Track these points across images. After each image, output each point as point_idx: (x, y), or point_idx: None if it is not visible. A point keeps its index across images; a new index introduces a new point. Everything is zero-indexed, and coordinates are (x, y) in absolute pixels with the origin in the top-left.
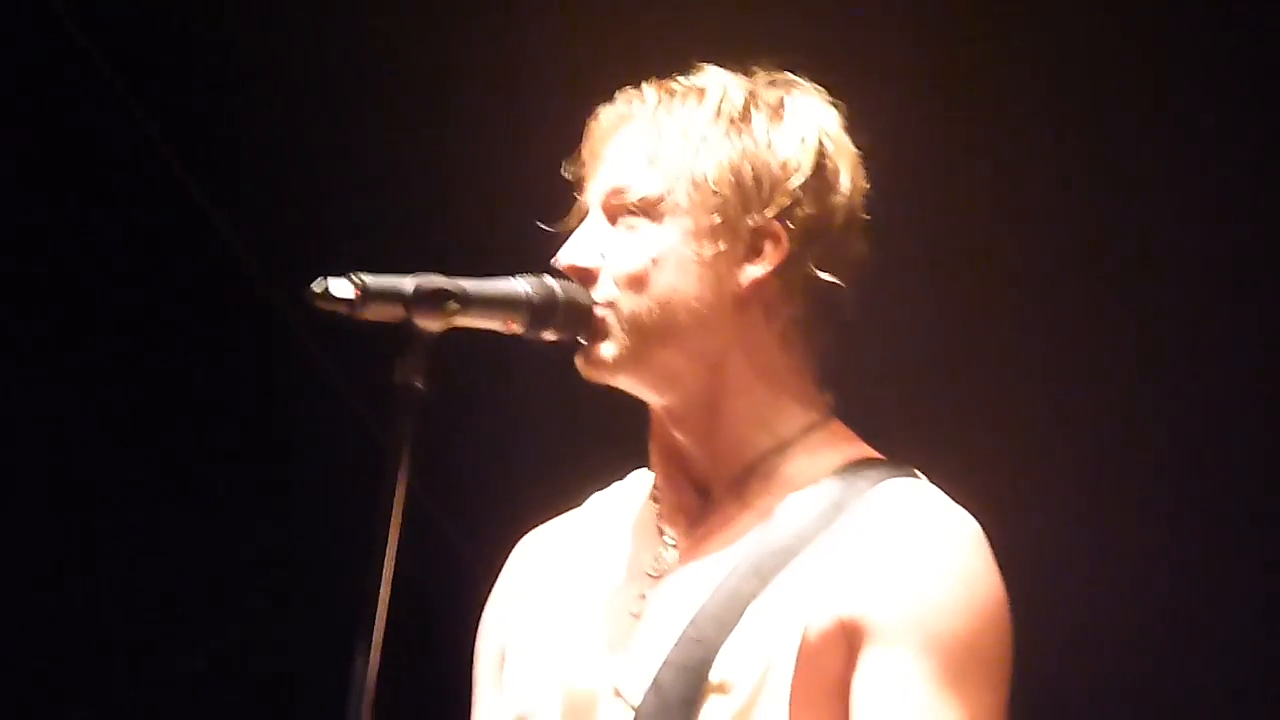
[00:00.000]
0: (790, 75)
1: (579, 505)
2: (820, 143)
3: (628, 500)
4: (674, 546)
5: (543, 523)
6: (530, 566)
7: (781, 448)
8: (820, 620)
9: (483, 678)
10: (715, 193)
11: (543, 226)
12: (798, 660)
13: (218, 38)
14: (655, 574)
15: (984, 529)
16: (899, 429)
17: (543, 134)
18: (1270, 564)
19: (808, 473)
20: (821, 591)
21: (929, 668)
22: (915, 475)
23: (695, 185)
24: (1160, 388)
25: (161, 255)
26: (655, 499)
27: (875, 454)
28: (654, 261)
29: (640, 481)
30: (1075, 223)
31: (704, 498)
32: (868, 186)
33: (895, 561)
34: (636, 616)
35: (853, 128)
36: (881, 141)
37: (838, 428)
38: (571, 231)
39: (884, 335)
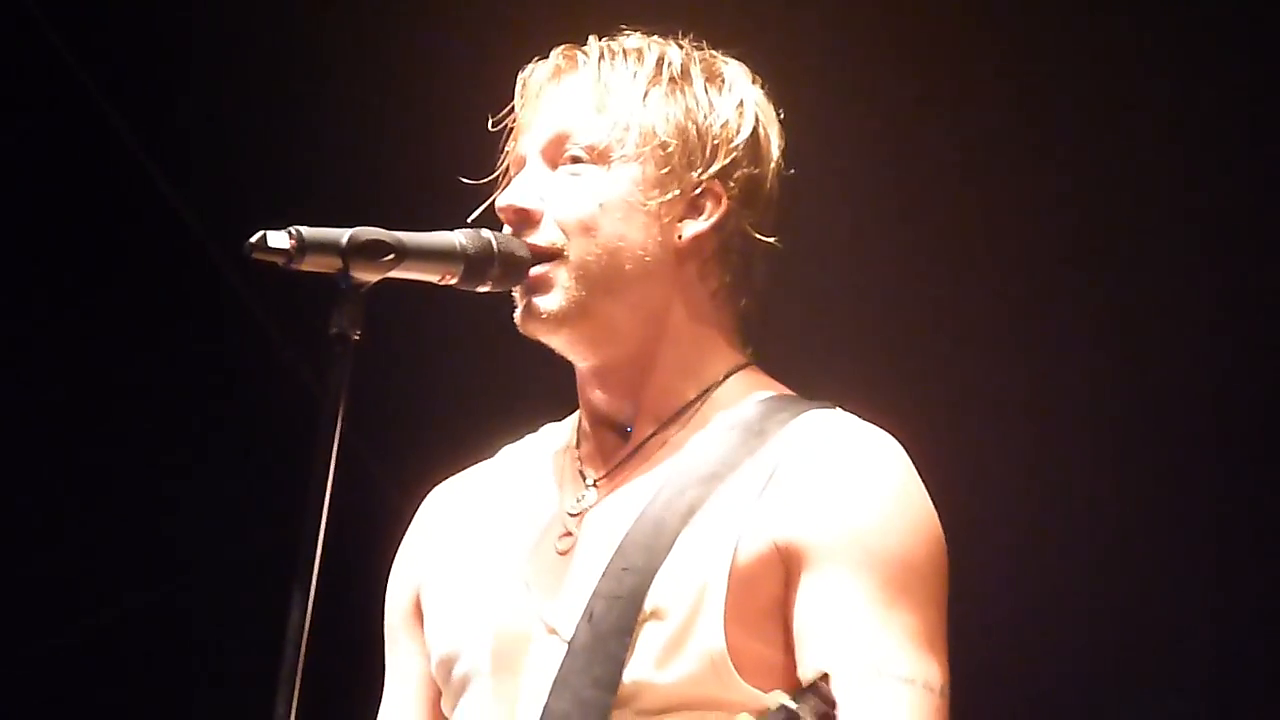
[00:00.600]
0: (711, 50)
1: (489, 457)
2: (756, 110)
3: (541, 450)
4: (594, 486)
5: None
6: (442, 515)
7: (704, 392)
8: (753, 544)
9: (395, 628)
10: (664, 144)
11: (466, 180)
12: (729, 583)
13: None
14: (577, 513)
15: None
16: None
17: (479, 97)
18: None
19: (730, 407)
20: (752, 515)
21: (870, 585)
22: (833, 407)
23: (644, 135)
24: (1092, 329)
25: (100, 209)
26: (577, 444)
27: (793, 393)
28: (601, 207)
29: (552, 433)
30: (1005, 175)
31: (625, 440)
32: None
33: (827, 484)
34: (563, 554)
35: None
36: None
37: (756, 371)
38: (504, 183)
39: (814, 294)
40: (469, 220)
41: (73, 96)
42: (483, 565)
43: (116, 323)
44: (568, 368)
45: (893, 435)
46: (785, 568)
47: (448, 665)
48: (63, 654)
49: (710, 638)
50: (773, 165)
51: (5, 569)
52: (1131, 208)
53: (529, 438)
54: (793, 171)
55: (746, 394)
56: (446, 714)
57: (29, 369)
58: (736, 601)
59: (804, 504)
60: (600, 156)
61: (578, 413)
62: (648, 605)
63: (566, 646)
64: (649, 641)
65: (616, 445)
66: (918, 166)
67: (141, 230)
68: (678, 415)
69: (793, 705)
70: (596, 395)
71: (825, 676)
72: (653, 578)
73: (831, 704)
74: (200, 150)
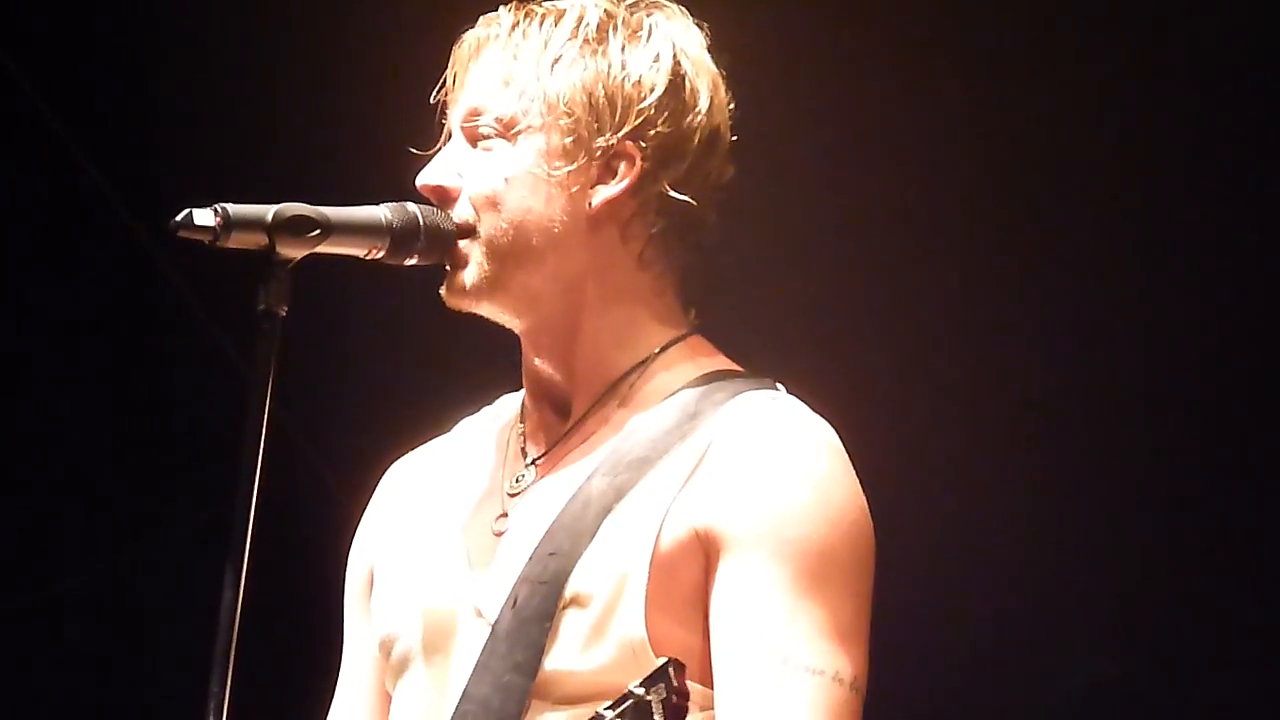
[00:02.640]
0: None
1: (447, 430)
2: (676, 62)
3: (494, 424)
4: (534, 465)
5: (410, 447)
6: (398, 492)
7: (640, 364)
8: (674, 530)
9: (351, 604)
10: (568, 113)
11: (414, 151)
12: (651, 570)
13: None
14: (515, 493)
15: (855, 442)
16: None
17: (418, 64)
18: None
19: (665, 386)
20: (675, 501)
21: (785, 574)
22: (774, 387)
23: (548, 106)
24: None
25: (25, 186)
26: (522, 419)
27: (735, 366)
28: (506, 181)
29: (507, 406)
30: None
31: (565, 417)
32: (732, 107)
33: (749, 471)
34: (498, 535)
35: (717, 48)
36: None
37: (697, 342)
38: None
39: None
40: (406, 192)
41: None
42: (425, 544)
43: (44, 304)
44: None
45: (827, 416)
46: (705, 554)
47: (388, 645)
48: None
49: (631, 625)
50: (697, 118)
51: None
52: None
53: (486, 410)
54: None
55: (686, 368)
56: (390, 693)
57: None
58: (658, 588)
59: (725, 491)
60: (507, 129)
61: None
62: (568, 591)
63: (490, 630)
64: (570, 628)
65: (556, 423)
66: (865, 131)
67: (66, 211)
68: (613, 389)
69: (640, 691)
70: (535, 363)
71: (675, 662)
72: (575, 563)
73: (682, 692)
74: (123, 127)
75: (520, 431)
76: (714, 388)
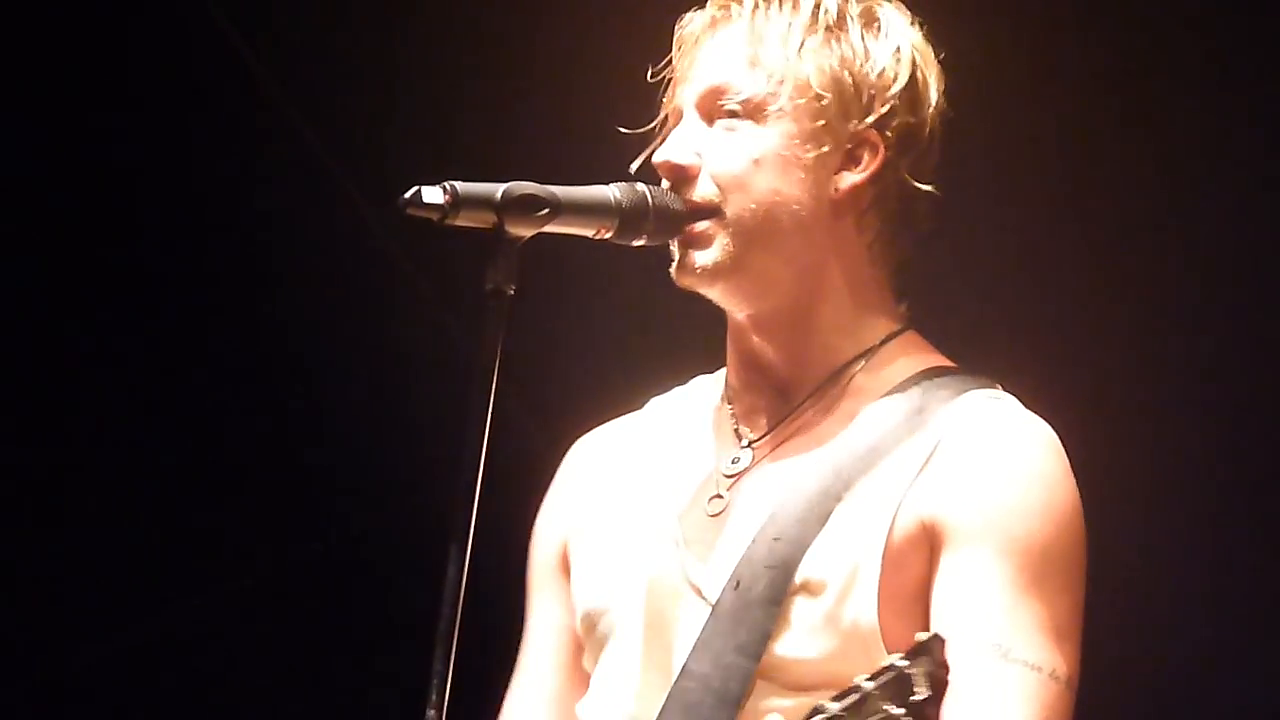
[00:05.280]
0: None
1: (638, 408)
2: (914, 55)
3: (691, 404)
4: (751, 447)
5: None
6: (589, 468)
7: (863, 355)
8: (904, 522)
9: (540, 581)
10: (819, 97)
11: (624, 130)
12: (883, 562)
13: None
14: (732, 474)
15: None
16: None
17: (634, 45)
18: None
19: (889, 380)
20: (906, 495)
21: (1007, 570)
22: (994, 386)
23: (799, 89)
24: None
25: (253, 166)
26: (729, 400)
27: (952, 363)
28: (756, 163)
29: (703, 387)
30: (1147, 138)
31: (783, 401)
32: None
33: (976, 467)
34: (714, 516)
35: (934, 44)
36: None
37: (915, 337)
38: (661, 136)
39: (958, 249)
40: (630, 172)
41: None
42: (634, 520)
43: (275, 287)
44: (719, 319)
45: (1046, 417)
46: (930, 545)
47: (593, 619)
48: (235, 599)
49: (863, 615)
50: (931, 110)
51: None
52: None
53: (677, 390)
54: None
55: (908, 363)
56: (587, 668)
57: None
58: (889, 581)
59: (952, 486)
60: (755, 110)
61: (725, 368)
62: (798, 577)
63: (710, 609)
64: (800, 615)
65: (774, 407)
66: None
67: (295, 189)
68: (835, 377)
69: (904, 664)
70: (755, 344)
71: (937, 637)
72: (805, 550)
73: (944, 665)
74: (350, 110)
75: (731, 413)
76: (937, 384)
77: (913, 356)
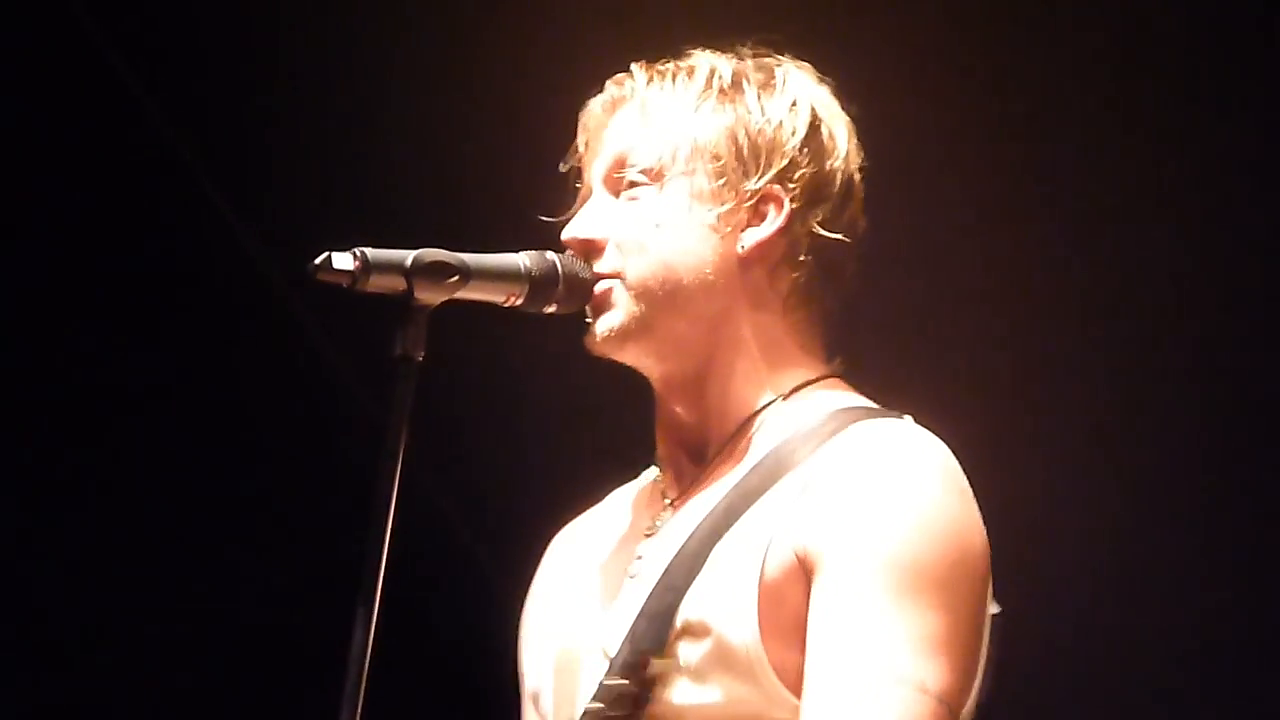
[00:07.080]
0: (777, 55)
1: (599, 500)
2: (813, 108)
3: (640, 484)
4: (671, 506)
5: (563, 511)
6: (555, 563)
7: (772, 403)
8: (778, 554)
9: (520, 664)
10: (715, 156)
11: (545, 219)
12: (759, 596)
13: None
14: (649, 534)
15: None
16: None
17: (544, 128)
18: None
19: (798, 420)
20: (780, 526)
21: (874, 585)
22: (900, 418)
23: (695, 151)
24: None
25: (162, 237)
26: (660, 466)
27: (870, 403)
28: (657, 225)
29: (652, 470)
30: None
31: (699, 458)
32: (862, 157)
33: (848, 490)
34: (632, 577)
35: (844, 100)
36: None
37: (834, 383)
38: (569, 215)
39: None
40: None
41: (132, 114)
42: (567, 599)
43: (175, 345)
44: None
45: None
46: (805, 576)
47: (535, 699)
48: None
49: (746, 652)
50: (839, 160)
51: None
52: None
53: (634, 482)
54: (863, 167)
55: (821, 405)
56: None
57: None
58: (769, 614)
59: (822, 512)
60: (655, 177)
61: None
62: (678, 621)
63: (608, 665)
64: (687, 659)
65: (691, 465)
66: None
67: (200, 251)
68: (744, 426)
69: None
70: (673, 407)
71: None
72: (685, 593)
73: None
74: (260, 171)
75: (659, 479)
76: (839, 419)
77: (828, 397)
